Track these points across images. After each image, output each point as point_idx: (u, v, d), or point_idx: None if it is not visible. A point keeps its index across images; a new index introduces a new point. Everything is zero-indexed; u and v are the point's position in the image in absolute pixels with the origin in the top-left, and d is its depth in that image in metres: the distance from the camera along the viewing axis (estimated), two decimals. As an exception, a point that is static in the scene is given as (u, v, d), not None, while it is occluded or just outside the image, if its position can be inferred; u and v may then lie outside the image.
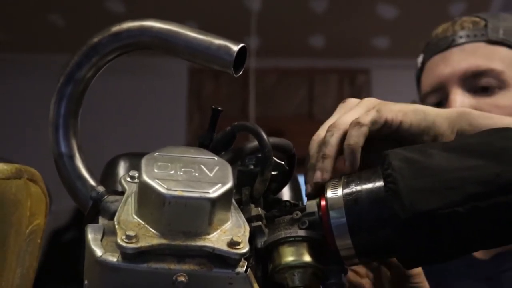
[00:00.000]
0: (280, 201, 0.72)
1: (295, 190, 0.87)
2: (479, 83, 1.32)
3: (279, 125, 5.67)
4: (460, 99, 1.30)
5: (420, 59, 1.43)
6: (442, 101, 1.35)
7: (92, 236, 0.61)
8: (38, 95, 5.61)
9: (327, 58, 5.78)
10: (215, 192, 0.60)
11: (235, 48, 0.64)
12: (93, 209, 0.66)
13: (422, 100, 1.39)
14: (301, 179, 0.91)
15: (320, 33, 5.40)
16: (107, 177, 0.82)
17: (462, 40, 1.34)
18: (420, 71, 1.43)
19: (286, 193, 0.84)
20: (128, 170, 0.76)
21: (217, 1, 4.89)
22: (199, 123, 5.60)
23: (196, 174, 0.62)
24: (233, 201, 0.64)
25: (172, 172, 0.62)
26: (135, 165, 0.64)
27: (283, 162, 0.74)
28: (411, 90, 5.76)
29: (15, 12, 5.00)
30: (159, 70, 5.28)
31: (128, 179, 0.67)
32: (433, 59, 1.38)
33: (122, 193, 0.66)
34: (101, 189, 0.67)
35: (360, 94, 5.86)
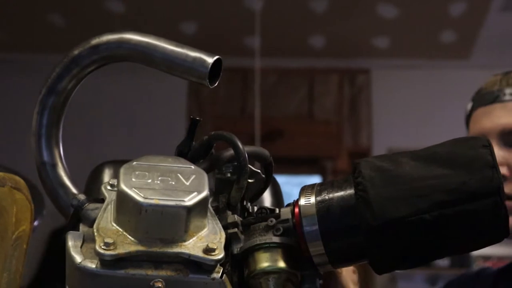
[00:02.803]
0: (257, 208, 0.73)
1: (276, 195, 0.89)
2: None
3: (279, 125, 5.69)
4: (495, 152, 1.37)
5: (469, 106, 1.53)
6: None
7: (72, 243, 0.63)
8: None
9: (327, 58, 5.79)
10: (190, 200, 0.62)
11: (210, 60, 0.66)
12: (74, 217, 0.68)
13: None
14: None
15: (320, 33, 5.41)
16: (92, 184, 0.83)
17: (506, 97, 1.43)
18: (468, 117, 1.53)
19: (267, 199, 0.86)
20: (112, 177, 0.78)
21: (217, 1, 4.90)
22: (199, 124, 5.62)
23: (173, 183, 0.64)
24: (210, 208, 0.66)
25: (150, 180, 0.64)
26: (117, 173, 0.66)
27: (259, 171, 0.76)
28: (410, 90, 5.75)
29: (15, 12, 5.01)
30: (158, 70, 5.30)
31: (109, 187, 0.69)
32: (478, 110, 1.48)
33: (102, 200, 0.68)
34: (82, 197, 0.69)
35: (360, 94, 5.87)
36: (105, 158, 0.94)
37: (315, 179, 5.85)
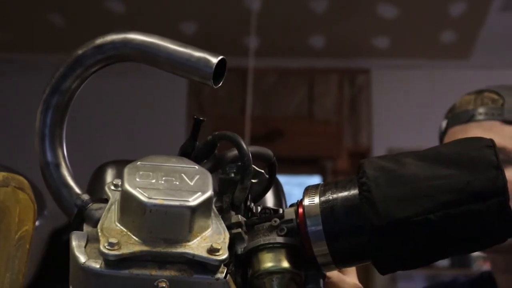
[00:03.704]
0: (260, 208, 0.73)
1: (279, 196, 0.89)
2: None
3: (279, 125, 5.69)
4: None
5: (444, 124, 1.55)
6: None
7: (76, 243, 0.63)
8: (38, 95, 5.62)
9: (327, 58, 5.79)
10: (195, 200, 0.62)
11: (214, 60, 0.66)
12: (78, 217, 0.68)
13: None
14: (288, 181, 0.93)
15: (320, 33, 5.41)
16: (95, 184, 0.83)
17: (481, 117, 1.46)
18: (443, 135, 1.55)
19: (269, 199, 0.86)
20: (114, 177, 0.78)
21: (217, 1, 4.91)
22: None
23: (177, 183, 0.64)
24: (214, 208, 0.66)
25: (154, 181, 0.64)
26: (121, 173, 0.66)
27: (262, 171, 0.76)
28: (410, 90, 5.75)
29: (15, 12, 5.01)
30: (159, 70, 5.30)
31: (112, 187, 0.68)
32: (454, 128, 1.50)
33: (106, 200, 0.68)
34: (85, 197, 0.69)
35: (360, 94, 5.88)
36: (105, 158, 0.94)
37: (315, 179, 5.85)
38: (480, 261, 5.20)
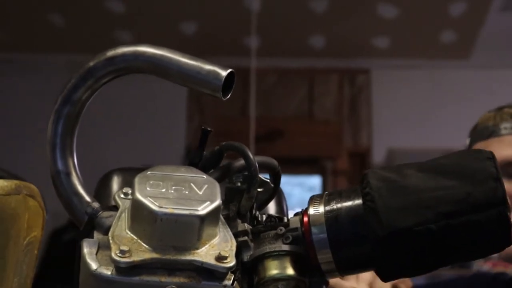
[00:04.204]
0: (266, 216, 0.75)
1: (280, 204, 0.90)
2: None
3: (279, 125, 5.70)
4: None
5: (467, 142, 1.64)
6: None
7: (87, 250, 0.65)
8: (37, 94, 5.64)
9: (327, 58, 5.80)
10: (204, 209, 0.64)
11: (224, 73, 0.68)
12: (88, 224, 0.69)
13: None
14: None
15: (320, 33, 5.42)
16: (101, 191, 0.85)
17: (502, 132, 1.55)
18: None
19: (271, 207, 0.88)
20: (121, 185, 0.80)
21: (217, 1, 4.92)
22: (199, 125, 5.63)
23: (186, 192, 0.65)
24: (221, 216, 0.68)
25: (164, 190, 0.65)
26: (128, 180, 0.68)
27: (268, 180, 0.78)
28: (410, 90, 5.75)
29: (15, 12, 5.02)
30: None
31: (122, 195, 0.70)
32: (476, 145, 1.58)
33: (116, 208, 0.69)
34: (96, 205, 0.71)
35: (360, 94, 5.89)
36: (106, 161, 0.96)
37: (315, 179, 5.86)
38: (480, 262, 5.20)
